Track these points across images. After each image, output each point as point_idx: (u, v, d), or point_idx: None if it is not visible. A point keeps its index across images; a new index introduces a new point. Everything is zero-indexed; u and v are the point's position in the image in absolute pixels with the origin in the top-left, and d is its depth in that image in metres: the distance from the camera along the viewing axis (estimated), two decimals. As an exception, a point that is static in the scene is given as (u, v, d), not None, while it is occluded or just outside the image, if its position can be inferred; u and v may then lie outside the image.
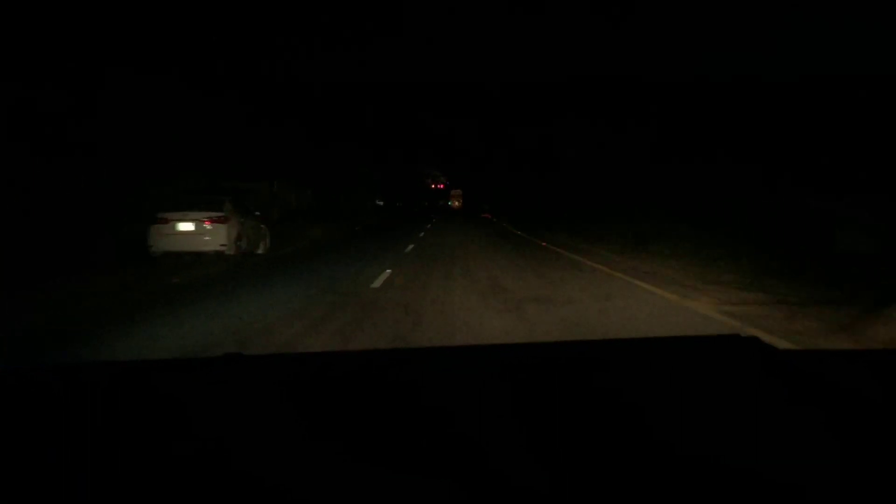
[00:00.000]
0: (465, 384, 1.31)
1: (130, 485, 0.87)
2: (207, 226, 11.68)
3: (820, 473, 0.88)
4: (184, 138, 17.53)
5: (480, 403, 1.17)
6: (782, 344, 5.08)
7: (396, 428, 1.05)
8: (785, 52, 15.08)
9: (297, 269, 11.12)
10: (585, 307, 6.85)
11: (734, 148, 15.71)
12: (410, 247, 16.06)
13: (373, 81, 38.05)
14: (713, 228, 13.98)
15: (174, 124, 16.99)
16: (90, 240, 11.84)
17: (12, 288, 7.94)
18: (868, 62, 12.39)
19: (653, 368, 1.43)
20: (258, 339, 5.23)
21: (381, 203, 57.75)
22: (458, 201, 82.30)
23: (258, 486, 0.86)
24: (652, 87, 20.43)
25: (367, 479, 0.87)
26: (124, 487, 0.86)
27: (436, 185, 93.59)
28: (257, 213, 13.99)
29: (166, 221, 11.62)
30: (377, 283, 8.66)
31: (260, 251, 13.71)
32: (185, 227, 11.65)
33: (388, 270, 10.10)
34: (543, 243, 17.98)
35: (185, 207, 11.90)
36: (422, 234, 21.92)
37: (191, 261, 11.55)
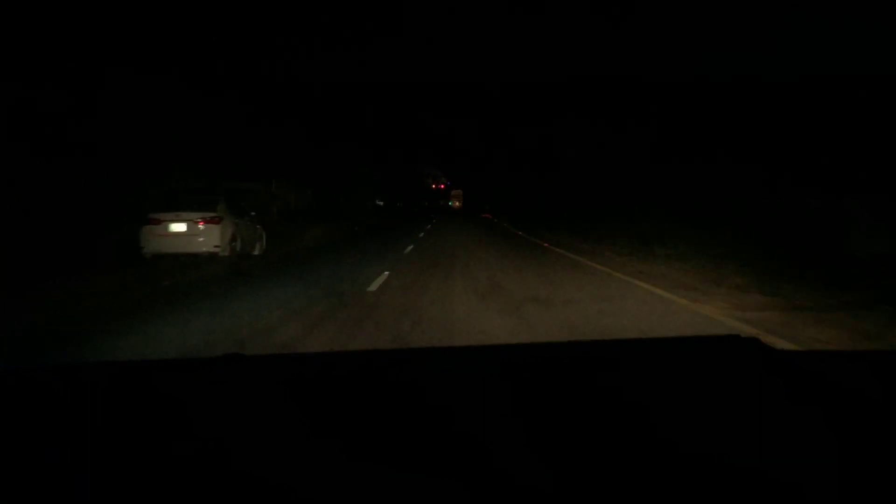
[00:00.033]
0: (467, 383, 1.31)
1: (130, 485, 0.87)
2: (200, 226, 11.34)
3: (820, 473, 0.88)
4: (184, 138, 17.53)
5: (483, 403, 1.17)
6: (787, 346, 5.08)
7: (399, 427, 1.05)
8: (785, 52, 15.10)
9: (292, 272, 10.80)
10: (591, 312, 6.55)
11: (734, 148, 15.72)
12: (409, 247, 15.80)
13: (373, 81, 38.11)
14: (716, 229, 13.88)
15: (174, 124, 16.98)
16: (88, 240, 11.63)
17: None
18: (868, 62, 12.40)
19: (653, 368, 1.43)
20: (240, 350, 4.96)
21: (382, 203, 57.77)
22: (459, 201, 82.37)
23: (259, 486, 0.86)
24: (652, 87, 20.46)
25: (369, 478, 0.87)
26: (124, 487, 0.86)
27: (436, 186, 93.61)
28: (252, 213, 13.68)
29: (158, 222, 11.28)
30: (374, 286, 8.36)
31: (256, 252, 13.40)
32: (178, 227, 11.30)
33: (386, 272, 9.83)
34: (545, 244, 17.79)
35: (178, 207, 11.56)
36: (421, 235, 21.74)
37: (186, 262, 11.26)
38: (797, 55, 14.86)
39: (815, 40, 14.04)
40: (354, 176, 39.92)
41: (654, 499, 0.84)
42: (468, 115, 67.13)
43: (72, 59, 13.52)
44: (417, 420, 1.08)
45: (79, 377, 1.41)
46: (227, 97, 20.54)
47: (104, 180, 13.61)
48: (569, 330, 5.59)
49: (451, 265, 11.38)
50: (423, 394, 1.23)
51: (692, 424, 1.07)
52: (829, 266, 9.31)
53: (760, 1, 16.97)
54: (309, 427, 1.05)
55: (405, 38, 40.09)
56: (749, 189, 14.48)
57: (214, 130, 19.63)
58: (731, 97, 15.93)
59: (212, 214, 11.44)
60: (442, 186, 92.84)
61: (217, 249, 11.37)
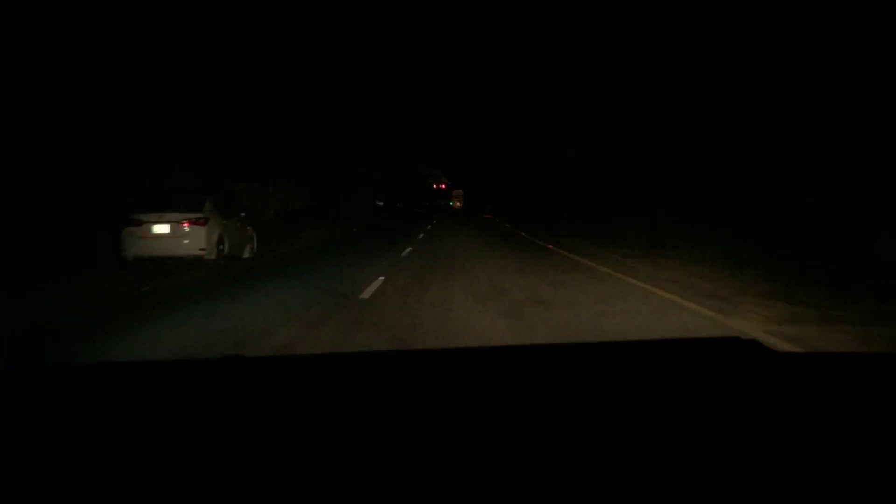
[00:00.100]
0: (466, 384, 1.31)
1: (130, 485, 0.87)
2: (185, 228, 10.73)
3: (819, 474, 0.88)
4: (184, 138, 17.52)
5: (482, 404, 1.17)
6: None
7: (398, 428, 1.05)
8: (785, 52, 15.10)
9: (281, 277, 10.19)
10: (609, 326, 5.94)
11: (734, 148, 15.71)
12: (408, 250, 15.35)
13: (373, 81, 38.09)
14: (722, 230, 13.62)
15: (174, 124, 16.97)
16: (80, 242, 11.17)
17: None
18: (868, 62, 12.40)
19: (654, 369, 1.43)
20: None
21: (381, 203, 57.70)
22: (460, 202, 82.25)
23: (259, 486, 0.86)
24: (652, 87, 20.44)
25: (369, 479, 0.87)
26: (124, 487, 0.86)
27: (437, 186, 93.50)
28: (242, 213, 13.04)
29: (140, 223, 10.67)
30: (367, 294, 7.82)
31: (246, 255, 12.83)
32: (161, 229, 10.69)
33: (381, 278, 9.25)
34: (549, 245, 17.40)
35: (162, 208, 10.96)
36: (421, 236, 21.42)
37: (173, 266, 10.74)
38: (797, 55, 14.88)
39: (815, 40, 14.05)
40: (354, 176, 39.89)
41: (653, 500, 0.84)
42: (468, 115, 67.14)
43: (72, 59, 13.52)
44: (417, 421, 1.08)
45: (79, 377, 1.41)
46: (227, 97, 20.52)
47: (104, 180, 13.60)
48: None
49: (450, 269, 10.91)
50: (423, 395, 1.23)
51: (692, 426, 1.07)
52: (850, 270, 8.88)
53: (760, 1, 16.98)
54: (308, 428, 1.05)
55: (405, 38, 40.09)
56: (749, 189, 14.46)
57: (214, 130, 19.62)
58: (731, 97, 15.92)
59: (197, 215, 10.88)
60: (443, 186, 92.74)
61: (203, 252, 10.80)
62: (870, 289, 7.58)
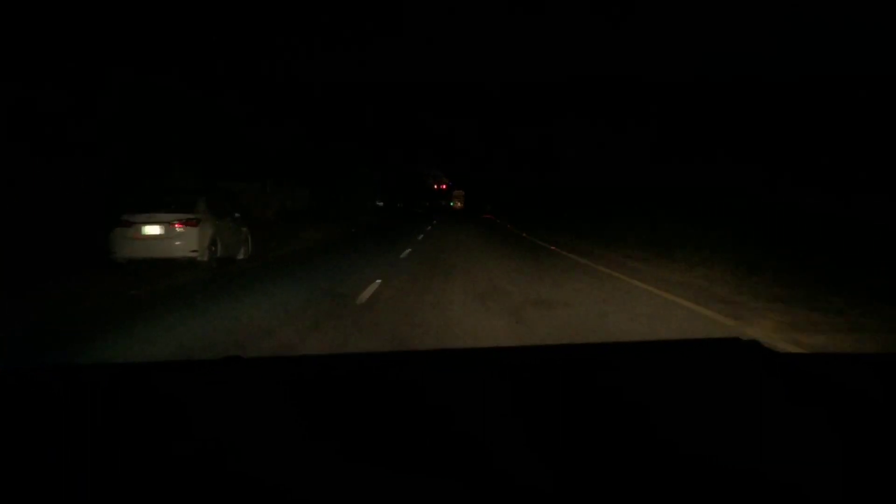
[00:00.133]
0: (467, 384, 1.31)
1: (130, 485, 0.87)
2: (177, 229, 10.36)
3: (820, 474, 0.88)
4: (184, 138, 17.52)
5: (483, 403, 1.17)
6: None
7: (399, 428, 1.05)
8: (785, 52, 15.11)
9: (274, 281, 9.69)
10: (617, 334, 5.57)
11: (734, 148, 15.72)
12: (407, 251, 14.86)
13: (373, 81, 38.09)
14: (722, 230, 13.47)
15: (174, 124, 16.98)
16: (81, 241, 10.99)
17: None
18: (868, 62, 12.41)
19: (654, 370, 1.43)
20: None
21: (381, 204, 57.70)
22: (461, 202, 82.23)
23: (259, 486, 0.86)
24: (652, 87, 20.46)
25: (369, 479, 0.87)
26: (124, 487, 0.86)
27: (438, 186, 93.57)
28: (237, 213, 12.62)
29: (130, 224, 10.28)
30: (362, 299, 7.43)
31: (240, 257, 12.40)
32: (152, 230, 10.31)
33: (379, 281, 8.87)
34: (552, 247, 16.96)
35: (153, 208, 10.57)
36: (420, 237, 21.07)
37: (164, 268, 10.35)
38: (797, 55, 14.89)
39: (815, 40, 14.06)
40: (354, 176, 39.90)
41: (654, 500, 0.84)
42: (468, 115, 67.19)
43: (72, 59, 13.52)
44: (417, 420, 1.08)
45: (79, 377, 1.41)
46: (227, 97, 20.55)
47: (104, 180, 13.60)
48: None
49: (450, 271, 10.55)
50: (423, 394, 1.23)
51: (693, 426, 1.07)
52: (860, 273, 8.54)
53: (760, 1, 16.99)
54: (308, 428, 1.05)
55: (405, 38, 40.11)
56: (749, 189, 14.46)
57: (214, 130, 19.64)
58: (731, 97, 15.93)
59: (189, 216, 10.51)
60: (443, 187, 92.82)
61: (194, 254, 10.44)
62: (891, 293, 7.19)
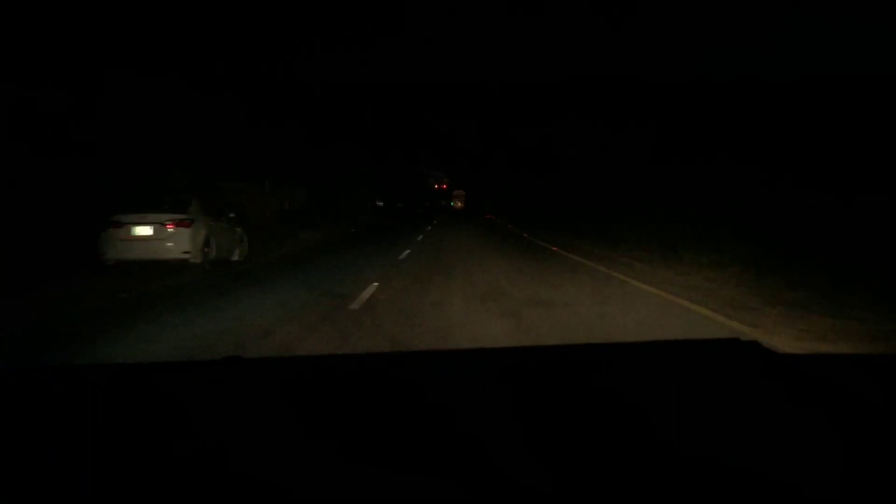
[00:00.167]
0: (466, 385, 1.31)
1: (130, 485, 0.87)
2: (169, 230, 10.07)
3: (821, 475, 0.88)
4: (184, 138, 17.52)
5: (482, 404, 1.17)
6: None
7: (398, 428, 1.05)
8: (785, 52, 15.11)
9: (266, 284, 9.31)
10: (631, 339, 5.00)
11: (734, 148, 15.72)
12: (406, 252, 14.52)
13: (373, 81, 38.08)
14: (724, 230, 13.32)
15: (174, 124, 16.98)
16: (76, 242, 10.67)
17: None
18: (868, 62, 12.41)
19: (654, 370, 1.43)
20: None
21: (381, 203, 57.70)
22: (461, 202, 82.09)
23: (259, 486, 0.86)
24: (652, 87, 20.46)
25: (369, 479, 0.87)
26: (124, 487, 0.86)
27: (438, 186, 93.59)
28: (232, 214, 12.33)
29: (121, 225, 10.01)
30: (358, 303, 7.03)
31: (235, 258, 12.12)
32: (143, 231, 10.03)
33: (376, 284, 8.53)
34: (554, 248, 16.66)
35: (144, 208, 10.31)
36: (420, 238, 20.86)
37: (156, 270, 10.08)
38: (797, 55, 14.88)
39: (815, 40, 14.06)
40: (354, 176, 39.93)
41: (653, 500, 0.84)
42: (468, 115, 67.19)
43: (72, 59, 13.52)
44: (417, 421, 1.08)
45: (79, 377, 1.41)
46: (227, 97, 20.54)
47: (104, 180, 13.60)
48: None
49: (449, 274, 10.15)
50: (423, 395, 1.23)
51: (692, 427, 1.07)
52: (868, 273, 8.21)
53: (760, 1, 16.99)
54: (308, 428, 1.05)
55: (405, 38, 40.09)
56: (749, 189, 14.45)
57: (214, 130, 19.63)
58: (731, 97, 15.93)
59: (181, 216, 10.25)
60: (444, 187, 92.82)
61: (187, 256, 10.15)
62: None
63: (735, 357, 1.52)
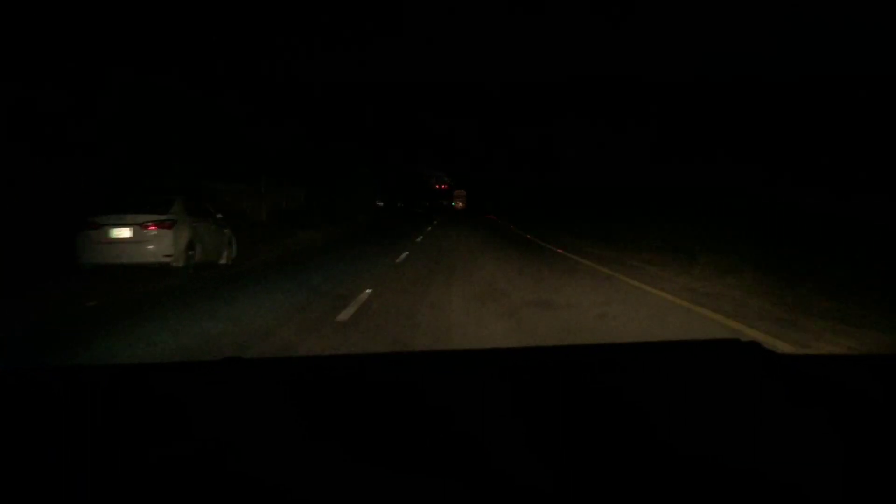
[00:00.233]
0: (467, 384, 1.31)
1: (130, 485, 0.87)
2: (149, 231, 9.50)
3: (821, 475, 0.88)
4: (184, 138, 17.52)
5: (483, 404, 1.17)
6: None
7: (399, 428, 1.05)
8: (785, 52, 15.10)
9: (251, 290, 8.71)
10: None
11: (734, 148, 15.71)
12: (404, 254, 14.02)
13: (373, 81, 38.07)
14: (736, 232, 13.03)
15: (174, 124, 16.98)
16: (65, 245, 10.11)
17: None
18: (868, 62, 12.40)
19: (654, 371, 1.43)
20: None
21: (382, 204, 57.66)
22: (462, 202, 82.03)
23: (259, 486, 0.86)
24: (652, 87, 20.45)
25: (369, 479, 0.87)
26: (124, 487, 0.86)
27: (439, 186, 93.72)
28: (219, 215, 11.81)
29: (97, 227, 9.43)
30: (347, 314, 6.45)
31: (223, 261, 11.58)
32: (121, 233, 9.45)
33: (369, 290, 8.01)
34: (559, 250, 16.26)
35: (123, 209, 9.74)
36: (419, 239, 20.55)
37: (137, 274, 9.55)
38: (797, 55, 14.86)
39: (815, 40, 14.05)
40: (354, 176, 39.88)
41: (653, 500, 0.84)
42: (468, 115, 67.28)
43: (72, 59, 13.52)
44: (417, 421, 1.08)
45: (79, 378, 1.41)
46: (227, 97, 20.53)
47: (104, 180, 13.60)
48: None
49: (449, 278, 9.61)
50: (423, 395, 1.23)
51: (693, 427, 1.07)
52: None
53: (760, 1, 16.99)
54: (308, 428, 1.05)
55: (405, 38, 40.08)
56: (749, 189, 14.44)
57: (214, 130, 19.63)
58: (731, 97, 15.92)
59: (163, 217, 9.70)
60: (445, 187, 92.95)
61: (168, 259, 9.58)
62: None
63: (735, 357, 1.52)
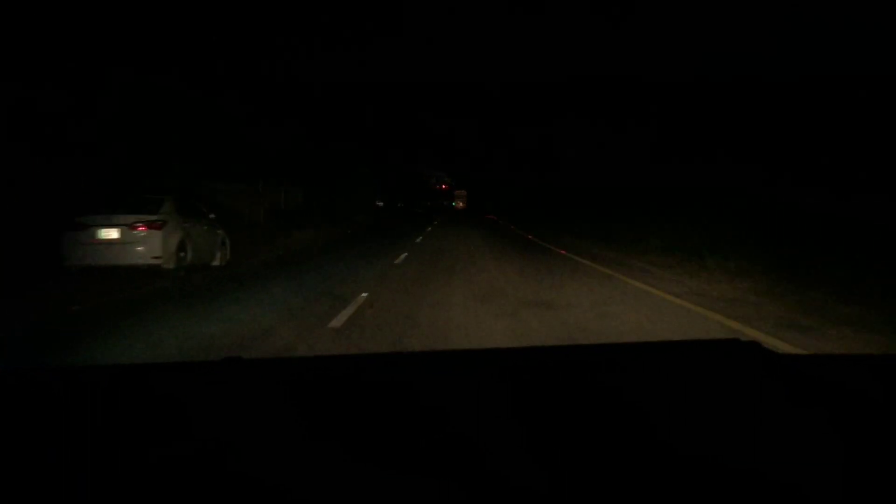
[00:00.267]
0: (464, 385, 1.31)
1: (130, 485, 0.87)
2: (138, 232, 9.24)
3: (822, 475, 0.88)
4: (184, 138, 17.52)
5: (479, 404, 1.17)
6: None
7: (397, 428, 1.05)
8: (785, 52, 15.11)
9: (241, 294, 8.36)
10: None
11: (734, 148, 15.71)
12: (403, 256, 13.75)
13: (373, 81, 38.13)
14: (736, 232, 12.98)
15: (174, 124, 16.99)
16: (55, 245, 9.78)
17: None
18: (868, 62, 12.40)
19: (654, 371, 1.43)
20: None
21: (382, 204, 57.67)
22: (463, 202, 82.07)
23: (259, 486, 0.86)
24: (652, 87, 20.47)
25: (367, 479, 0.87)
26: (124, 487, 0.86)
27: (439, 186, 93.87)
28: (212, 215, 11.56)
29: (84, 227, 9.17)
30: (340, 319, 6.22)
31: (216, 263, 11.34)
32: (108, 234, 9.19)
33: (365, 294, 7.75)
34: (562, 251, 15.91)
35: (111, 209, 9.49)
36: (419, 240, 20.33)
37: (126, 277, 9.28)
38: (797, 55, 14.88)
39: (815, 40, 14.06)
40: (354, 176, 39.90)
41: (652, 500, 0.84)
42: (468, 115, 67.41)
43: (72, 59, 13.53)
44: (415, 421, 1.08)
45: (79, 378, 1.41)
46: (227, 97, 20.54)
47: (104, 180, 13.60)
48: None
49: (449, 281, 9.30)
50: (421, 395, 1.23)
51: (692, 427, 1.07)
52: None
53: (760, 1, 17.00)
54: (307, 428, 1.05)
55: (405, 38, 40.17)
56: (749, 189, 14.44)
57: (214, 130, 19.63)
58: (731, 97, 15.93)
59: (152, 217, 9.44)
60: (445, 187, 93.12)
61: (157, 261, 9.30)
62: None
63: (735, 357, 1.52)
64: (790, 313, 6.81)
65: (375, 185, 52.66)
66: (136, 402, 1.20)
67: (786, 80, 14.23)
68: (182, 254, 9.92)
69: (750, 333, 5.72)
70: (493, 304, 7.22)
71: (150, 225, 9.37)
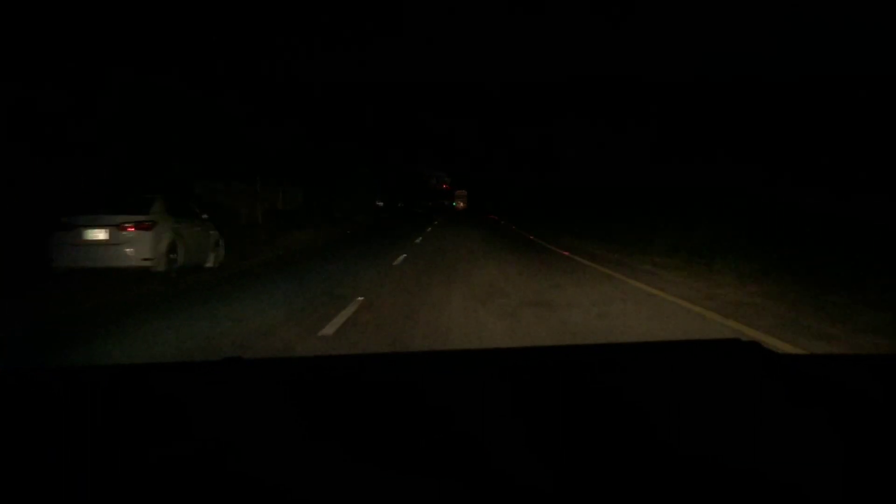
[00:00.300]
0: (466, 384, 1.31)
1: (130, 485, 0.87)
2: (127, 233, 8.88)
3: (822, 475, 0.88)
4: (184, 138, 17.52)
5: (483, 404, 1.17)
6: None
7: (398, 428, 1.05)
8: (785, 52, 15.11)
9: (232, 298, 8.04)
10: None
11: (734, 148, 15.71)
12: (402, 257, 13.47)
13: (373, 81, 38.13)
14: (737, 232, 12.87)
15: (174, 124, 16.99)
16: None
17: None
18: (868, 62, 12.40)
19: (654, 371, 1.43)
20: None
21: (381, 204, 57.66)
22: (463, 202, 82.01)
23: (259, 486, 0.86)
24: (652, 87, 20.47)
25: (368, 479, 0.87)
26: (124, 487, 0.86)
27: (439, 186, 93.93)
28: (205, 215, 11.26)
29: (71, 227, 8.83)
30: (332, 327, 5.91)
31: (209, 264, 11.00)
32: (95, 234, 8.84)
33: (360, 298, 7.49)
34: (565, 252, 15.51)
35: (99, 208, 9.14)
36: (419, 240, 20.11)
37: (116, 279, 8.98)
38: (797, 55, 14.87)
39: (815, 40, 14.05)
40: (354, 176, 39.90)
41: (654, 500, 0.84)
42: (468, 115, 67.47)
43: (72, 59, 13.53)
44: (417, 421, 1.08)
45: (79, 378, 1.41)
46: (227, 97, 20.54)
47: (104, 180, 13.59)
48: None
49: (449, 284, 8.95)
50: (423, 395, 1.23)
51: (693, 427, 1.07)
52: None
53: (760, 1, 17.00)
54: (308, 428, 1.05)
55: (405, 38, 40.15)
56: (749, 189, 14.44)
57: (214, 130, 19.63)
58: (731, 97, 15.93)
59: (141, 217, 9.07)
60: (445, 187, 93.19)
61: (147, 263, 8.96)
62: None
63: (735, 357, 1.52)
64: (811, 321, 6.25)
65: (375, 185, 52.66)
66: (136, 402, 1.20)
67: (786, 80, 14.23)
68: (173, 255, 9.55)
69: (773, 343, 5.16)
70: (494, 305, 7.13)
71: (139, 225, 9.02)
